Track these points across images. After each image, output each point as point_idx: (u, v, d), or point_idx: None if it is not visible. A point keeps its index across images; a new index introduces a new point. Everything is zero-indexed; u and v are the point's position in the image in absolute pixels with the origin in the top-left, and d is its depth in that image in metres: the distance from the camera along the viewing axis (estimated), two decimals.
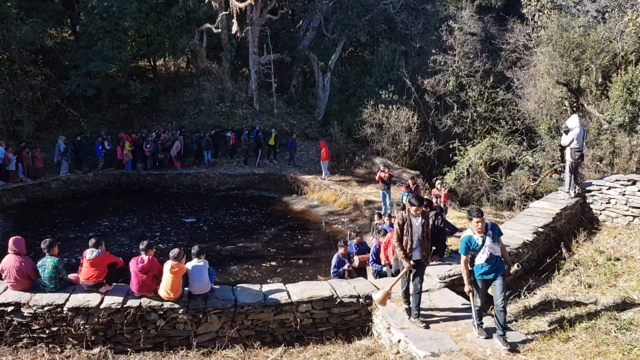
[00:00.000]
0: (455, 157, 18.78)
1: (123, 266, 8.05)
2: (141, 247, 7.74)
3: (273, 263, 13.57)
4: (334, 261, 9.58)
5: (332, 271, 9.54)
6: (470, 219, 6.78)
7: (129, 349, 7.44)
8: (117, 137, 23.22)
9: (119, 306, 7.40)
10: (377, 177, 16.14)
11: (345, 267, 9.48)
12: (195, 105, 27.10)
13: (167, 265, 7.53)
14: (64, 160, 20.76)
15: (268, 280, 11.63)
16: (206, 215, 18.37)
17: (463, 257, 6.83)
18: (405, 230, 7.05)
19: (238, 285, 8.41)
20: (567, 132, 12.21)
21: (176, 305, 7.53)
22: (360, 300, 7.98)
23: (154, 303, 7.50)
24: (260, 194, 21.64)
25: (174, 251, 7.62)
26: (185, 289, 7.74)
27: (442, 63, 22.76)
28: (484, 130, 21.85)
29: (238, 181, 22.37)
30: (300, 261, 13.77)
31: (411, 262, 7.03)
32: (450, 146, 20.27)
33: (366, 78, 27.47)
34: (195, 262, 7.81)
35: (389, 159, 21.99)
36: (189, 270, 7.67)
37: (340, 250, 9.60)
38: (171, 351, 7.47)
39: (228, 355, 7.40)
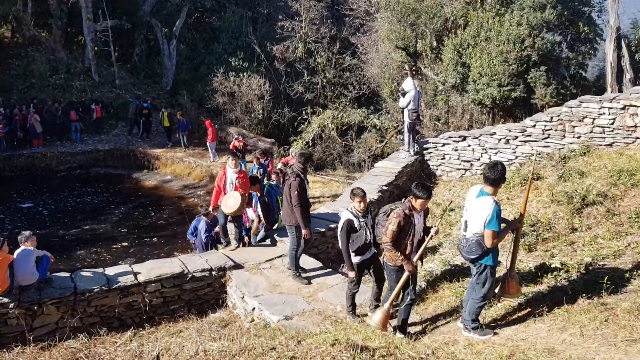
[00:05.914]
0: (302, 127, 19.12)
1: None
2: None
3: (125, 244, 12.91)
4: (202, 227, 9.34)
5: (203, 236, 9.27)
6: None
7: None
8: None
9: None
10: (231, 146, 15.90)
11: (217, 229, 9.33)
12: (25, 79, 24.35)
13: None
14: None
15: (119, 262, 10.95)
16: (45, 199, 16.94)
17: None
18: (405, 232, 5.71)
19: (78, 271, 7.76)
20: (404, 94, 12.93)
21: (5, 300, 6.77)
22: (213, 273, 7.81)
23: None
24: (106, 172, 20.32)
25: None
26: None
27: (289, 29, 22.74)
28: (333, 96, 22.43)
29: (80, 159, 20.64)
30: (155, 239, 13.27)
31: (413, 264, 5.75)
32: (303, 112, 20.54)
33: (214, 45, 26.63)
34: (21, 249, 7.00)
35: (244, 128, 21.69)
36: (15, 260, 6.85)
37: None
38: (4, 349, 6.69)
39: (71, 346, 6.77)
